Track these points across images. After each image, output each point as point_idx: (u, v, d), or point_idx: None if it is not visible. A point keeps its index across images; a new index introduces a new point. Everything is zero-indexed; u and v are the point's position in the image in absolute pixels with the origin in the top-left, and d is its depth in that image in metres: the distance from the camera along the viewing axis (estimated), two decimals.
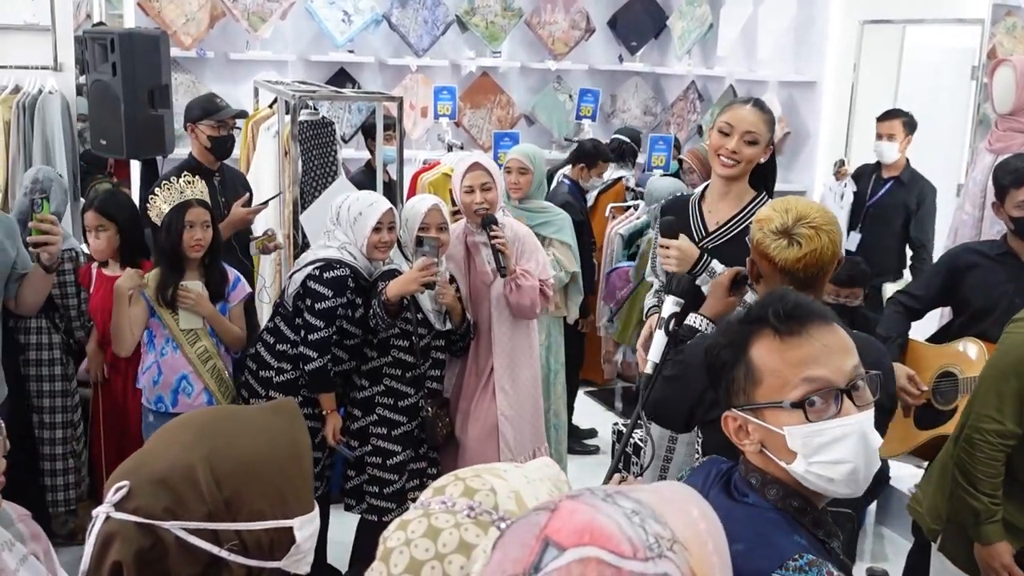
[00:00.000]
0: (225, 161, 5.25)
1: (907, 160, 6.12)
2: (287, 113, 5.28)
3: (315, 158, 5.39)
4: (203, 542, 1.37)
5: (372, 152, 6.36)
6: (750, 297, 2.65)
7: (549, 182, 6.56)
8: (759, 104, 3.25)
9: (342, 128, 7.80)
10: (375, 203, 4.06)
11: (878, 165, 6.19)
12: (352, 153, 7.64)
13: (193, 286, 4.13)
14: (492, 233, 4.19)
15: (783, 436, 1.63)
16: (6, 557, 1.72)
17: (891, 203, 6.06)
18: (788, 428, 1.62)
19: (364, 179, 5.94)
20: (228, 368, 4.29)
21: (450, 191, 4.65)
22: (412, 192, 6.05)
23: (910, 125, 6.06)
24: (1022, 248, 3.86)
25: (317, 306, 3.97)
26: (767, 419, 1.65)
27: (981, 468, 3.07)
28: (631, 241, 6.39)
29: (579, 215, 5.95)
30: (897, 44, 7.25)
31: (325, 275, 3.96)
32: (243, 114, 5.55)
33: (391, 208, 4.08)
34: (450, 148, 6.86)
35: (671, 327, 2.44)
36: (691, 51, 8.66)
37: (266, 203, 5.15)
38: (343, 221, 4.05)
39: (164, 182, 4.17)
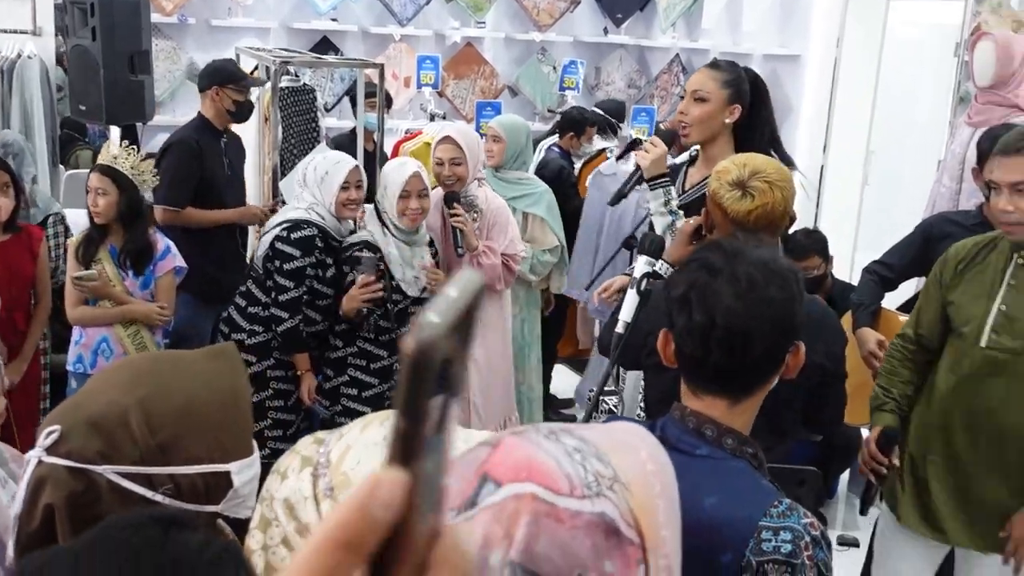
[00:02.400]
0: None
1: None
2: (268, 79, 5.26)
3: (296, 125, 5.38)
4: (136, 486, 1.37)
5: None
6: None
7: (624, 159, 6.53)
8: (714, 64, 3.33)
9: (324, 96, 7.75)
10: (341, 161, 4.11)
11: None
12: (334, 122, 7.61)
13: (88, 276, 4.11)
14: (452, 212, 4.25)
15: None
16: (1, 494, 1.74)
17: None
18: None
19: (349, 143, 5.91)
20: (157, 337, 4.29)
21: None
22: None
23: None
24: None
25: (286, 266, 3.99)
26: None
27: (883, 362, 3.31)
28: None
29: (572, 183, 5.95)
30: (881, 19, 7.25)
31: (292, 235, 3.99)
32: (263, 82, 5.60)
33: (357, 166, 4.13)
34: (432, 118, 6.84)
35: (643, 287, 2.46)
36: (676, 24, 8.64)
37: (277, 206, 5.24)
38: (310, 182, 4.08)
39: (106, 143, 4.29)
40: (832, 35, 7.43)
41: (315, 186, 4.06)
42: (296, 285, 4.00)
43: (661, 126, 6.41)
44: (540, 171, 5.91)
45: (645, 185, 3.15)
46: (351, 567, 0.43)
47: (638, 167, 3.15)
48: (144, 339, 4.22)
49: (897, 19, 7.29)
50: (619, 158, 5.76)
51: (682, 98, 3.36)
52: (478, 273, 0.47)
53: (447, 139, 4.34)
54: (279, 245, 4.00)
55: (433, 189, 4.34)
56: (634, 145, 5.88)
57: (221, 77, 5.10)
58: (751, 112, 3.35)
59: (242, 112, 5.18)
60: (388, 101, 6.69)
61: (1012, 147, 2.86)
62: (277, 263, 4.00)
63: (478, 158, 4.44)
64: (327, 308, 4.14)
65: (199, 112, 5.18)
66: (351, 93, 6.38)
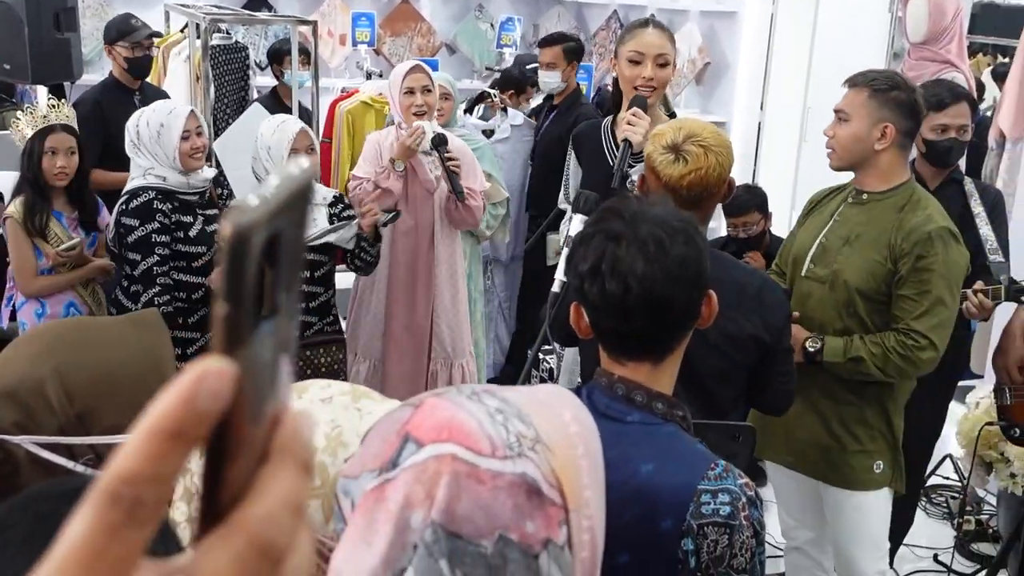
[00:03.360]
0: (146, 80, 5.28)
1: (576, 88, 5.81)
2: (198, 37, 5.15)
3: (227, 84, 5.28)
4: (56, 457, 1.34)
5: (278, 78, 6.26)
6: None
7: (471, 112, 6.53)
8: (658, 24, 3.29)
9: (257, 55, 7.62)
10: (174, 110, 3.93)
11: (552, 96, 5.84)
12: (268, 81, 7.48)
13: (73, 244, 4.04)
14: (446, 155, 4.21)
15: None
16: None
17: (551, 133, 5.54)
18: None
19: (271, 105, 5.80)
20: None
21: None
22: (330, 121, 5.95)
23: (573, 52, 5.69)
24: (929, 173, 3.92)
25: (129, 239, 3.85)
26: None
27: None
28: None
29: None
30: None
31: (130, 206, 3.86)
32: (157, 34, 5.49)
33: (193, 111, 3.97)
34: (369, 76, 6.75)
35: None
36: None
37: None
38: (145, 140, 3.87)
39: (27, 106, 4.14)
40: None
41: (152, 143, 3.85)
42: (144, 256, 3.82)
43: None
44: None
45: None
46: (181, 455, 0.41)
47: (627, 142, 3.07)
48: (99, 295, 4.18)
49: None
50: (467, 111, 5.76)
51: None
52: (307, 162, 0.45)
53: (417, 68, 4.31)
54: (121, 220, 3.86)
55: (398, 125, 4.32)
56: (482, 97, 5.92)
57: (111, 34, 5.06)
58: None
59: (137, 68, 5.12)
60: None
61: (848, 80, 3.14)
62: (125, 238, 3.87)
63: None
64: (204, 268, 3.97)
65: (110, 71, 5.15)
66: (279, 52, 6.29)
